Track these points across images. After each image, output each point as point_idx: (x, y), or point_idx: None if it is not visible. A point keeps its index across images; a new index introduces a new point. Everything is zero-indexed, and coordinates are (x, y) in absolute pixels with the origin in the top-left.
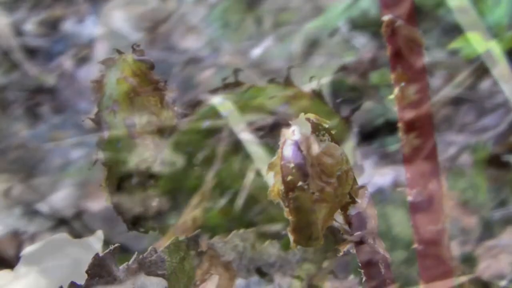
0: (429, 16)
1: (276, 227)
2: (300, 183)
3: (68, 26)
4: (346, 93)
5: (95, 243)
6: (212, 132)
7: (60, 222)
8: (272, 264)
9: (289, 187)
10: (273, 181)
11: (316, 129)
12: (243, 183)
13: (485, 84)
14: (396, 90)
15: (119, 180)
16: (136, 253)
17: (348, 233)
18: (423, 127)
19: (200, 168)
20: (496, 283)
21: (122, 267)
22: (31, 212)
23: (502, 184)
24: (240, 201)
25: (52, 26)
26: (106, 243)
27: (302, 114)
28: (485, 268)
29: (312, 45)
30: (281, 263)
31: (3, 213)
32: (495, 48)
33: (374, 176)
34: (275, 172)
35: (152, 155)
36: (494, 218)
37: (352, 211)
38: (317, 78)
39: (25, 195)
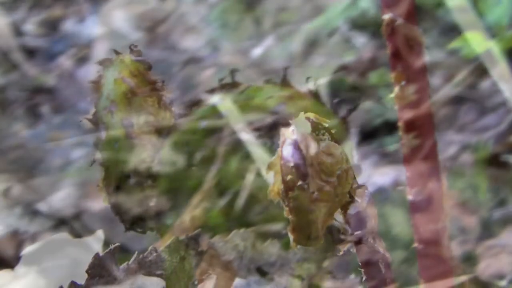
0: (428, 15)
1: (276, 226)
2: (299, 183)
3: (68, 26)
4: (345, 93)
5: (95, 243)
6: (212, 132)
7: (60, 222)
8: (273, 263)
9: (289, 187)
10: (273, 181)
11: (316, 128)
12: (243, 183)
13: (486, 83)
14: (396, 89)
15: (117, 181)
16: (136, 252)
17: (348, 232)
18: (423, 126)
19: (200, 168)
20: (496, 283)
21: (122, 266)
22: (31, 212)
23: (502, 184)
24: (240, 201)
25: (52, 26)
26: (106, 243)
27: (302, 113)
28: (485, 268)
29: (312, 45)
30: (282, 263)
31: (3, 213)
32: (494, 48)
33: (373, 176)
34: (275, 172)
35: (150, 155)
36: (494, 218)
37: (352, 210)
38: (314, 78)
39: (25, 195)
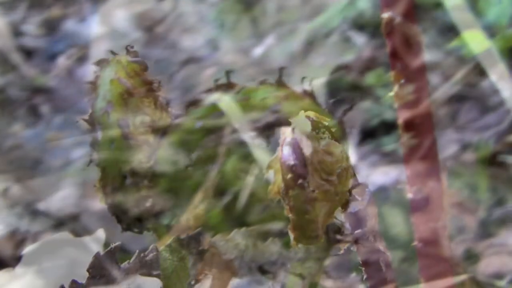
0: (427, 15)
1: (277, 225)
2: (300, 181)
3: (68, 26)
4: (345, 93)
5: (95, 243)
6: (211, 131)
7: (60, 222)
8: (274, 262)
9: (289, 185)
10: (273, 180)
11: (316, 127)
12: (244, 182)
13: (486, 82)
14: (395, 88)
15: (114, 181)
16: (137, 252)
17: (348, 231)
18: (422, 125)
19: (200, 168)
20: (495, 282)
21: (122, 266)
22: (31, 212)
23: (501, 183)
24: (241, 200)
25: (51, 26)
26: (106, 242)
27: (302, 112)
28: (485, 266)
29: (312, 44)
30: (283, 261)
31: (3, 213)
32: (492, 48)
33: (372, 175)
34: (275, 170)
35: (146, 156)
36: (493, 217)
37: (352, 209)
38: (310, 78)
39: (25, 195)
